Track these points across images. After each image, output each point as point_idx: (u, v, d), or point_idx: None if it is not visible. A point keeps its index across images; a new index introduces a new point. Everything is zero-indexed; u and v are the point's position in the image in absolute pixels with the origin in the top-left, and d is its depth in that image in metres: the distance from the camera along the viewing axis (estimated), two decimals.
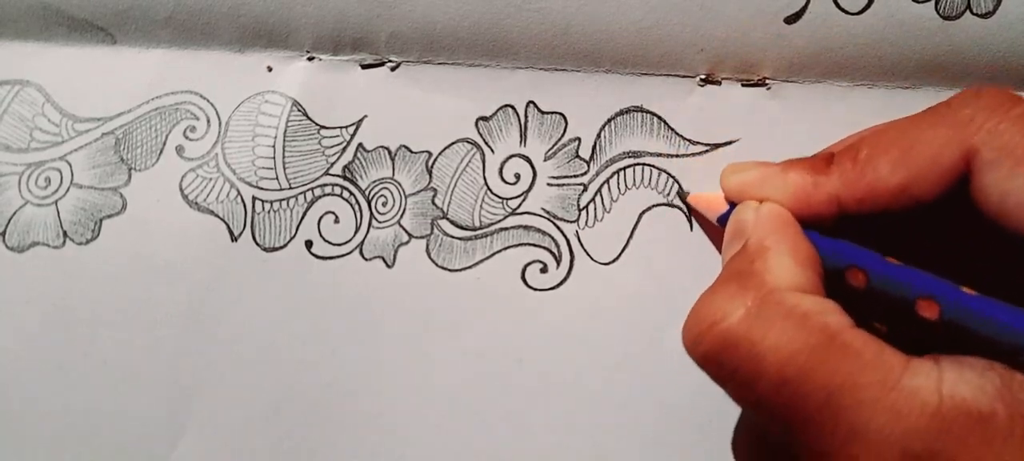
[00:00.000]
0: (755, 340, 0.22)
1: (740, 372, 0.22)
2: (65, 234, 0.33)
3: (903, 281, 0.24)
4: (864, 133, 0.26)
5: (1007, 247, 0.23)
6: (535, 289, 0.33)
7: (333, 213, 0.33)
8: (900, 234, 0.25)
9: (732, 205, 0.29)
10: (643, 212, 0.33)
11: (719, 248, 0.32)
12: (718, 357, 0.23)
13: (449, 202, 0.33)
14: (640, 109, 0.33)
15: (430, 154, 0.33)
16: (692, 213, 0.32)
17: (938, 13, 0.31)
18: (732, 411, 0.32)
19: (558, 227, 0.33)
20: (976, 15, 0.31)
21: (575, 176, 0.33)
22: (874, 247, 0.25)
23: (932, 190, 0.23)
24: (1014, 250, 0.23)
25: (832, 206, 0.25)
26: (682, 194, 0.32)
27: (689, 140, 0.33)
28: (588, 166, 0.33)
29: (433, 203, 0.33)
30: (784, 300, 0.23)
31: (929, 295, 0.23)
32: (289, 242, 0.33)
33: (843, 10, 0.32)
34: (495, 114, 0.33)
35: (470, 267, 0.33)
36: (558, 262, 0.33)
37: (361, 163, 0.33)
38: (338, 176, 0.33)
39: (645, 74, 0.33)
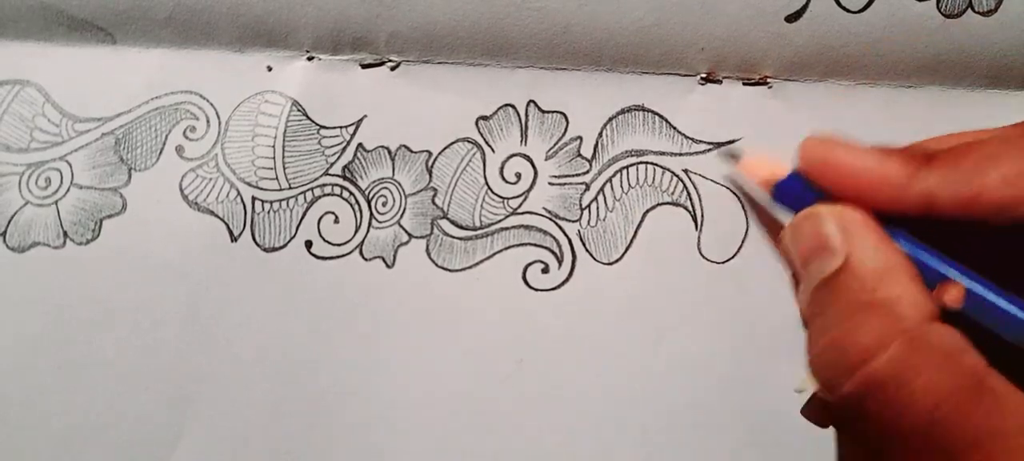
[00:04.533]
0: (905, 381, 0.22)
1: (885, 414, 0.22)
2: (65, 234, 0.33)
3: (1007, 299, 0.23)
4: (964, 137, 0.25)
5: None
6: (536, 289, 0.33)
7: (333, 213, 0.33)
8: (964, 245, 0.25)
9: (795, 178, 0.28)
10: (646, 211, 0.33)
11: (763, 227, 0.31)
12: (864, 398, 0.22)
13: (449, 202, 0.33)
14: (641, 108, 0.33)
15: (430, 154, 0.33)
16: (737, 177, 0.30)
17: (939, 11, 0.31)
18: (732, 411, 0.32)
19: (560, 227, 0.33)
20: (978, 13, 0.31)
21: (577, 175, 0.33)
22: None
23: None
24: None
25: (921, 205, 0.25)
26: (733, 153, 0.30)
27: (691, 138, 0.33)
28: (590, 165, 0.33)
29: (433, 203, 0.33)
30: (930, 338, 0.22)
31: None
32: (289, 242, 0.33)
33: (844, 9, 0.31)
34: (495, 113, 0.33)
35: (470, 267, 0.33)
36: (560, 262, 0.33)
37: (361, 163, 0.33)
38: (338, 176, 0.33)
39: (646, 73, 0.33)
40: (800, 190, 0.27)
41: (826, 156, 0.26)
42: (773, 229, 0.31)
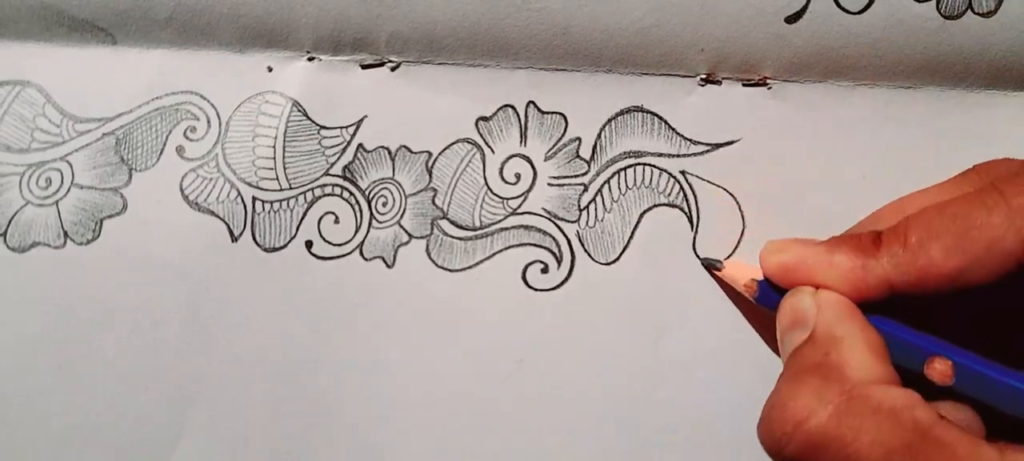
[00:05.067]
0: (847, 440, 0.22)
1: None
2: (66, 234, 0.33)
3: (988, 377, 0.24)
4: (911, 215, 0.25)
5: None
6: (536, 289, 0.33)
7: (333, 213, 0.33)
8: (945, 308, 0.25)
9: (767, 283, 0.28)
10: (644, 212, 0.33)
11: (749, 319, 0.32)
12: (808, 456, 0.22)
13: (449, 202, 0.33)
14: (640, 109, 0.33)
15: (430, 154, 0.33)
16: (719, 284, 0.32)
17: (939, 12, 0.31)
18: (732, 413, 0.32)
19: (559, 227, 0.33)
20: (977, 14, 0.31)
21: (576, 176, 0.33)
22: (913, 322, 0.25)
23: (989, 275, 0.23)
24: None
25: (883, 289, 0.25)
26: (710, 263, 0.32)
27: (690, 140, 0.33)
28: (589, 166, 0.33)
29: (433, 203, 0.33)
30: (871, 395, 0.22)
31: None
32: (289, 242, 0.33)
33: (844, 9, 0.31)
34: (495, 114, 0.33)
35: (470, 267, 0.33)
36: (559, 262, 0.33)
37: (361, 163, 0.33)
38: (338, 176, 0.33)
39: (645, 74, 0.33)
40: (775, 293, 0.28)
41: (785, 267, 0.27)
42: (757, 319, 0.32)
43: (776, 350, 0.29)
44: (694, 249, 0.32)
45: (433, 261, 0.33)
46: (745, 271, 0.30)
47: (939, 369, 0.24)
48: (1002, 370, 0.24)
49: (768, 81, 0.33)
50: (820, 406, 0.23)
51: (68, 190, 0.33)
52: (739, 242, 0.32)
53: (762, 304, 0.29)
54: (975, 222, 0.23)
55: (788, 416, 0.23)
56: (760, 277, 0.29)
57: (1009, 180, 0.24)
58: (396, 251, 0.33)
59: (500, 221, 0.33)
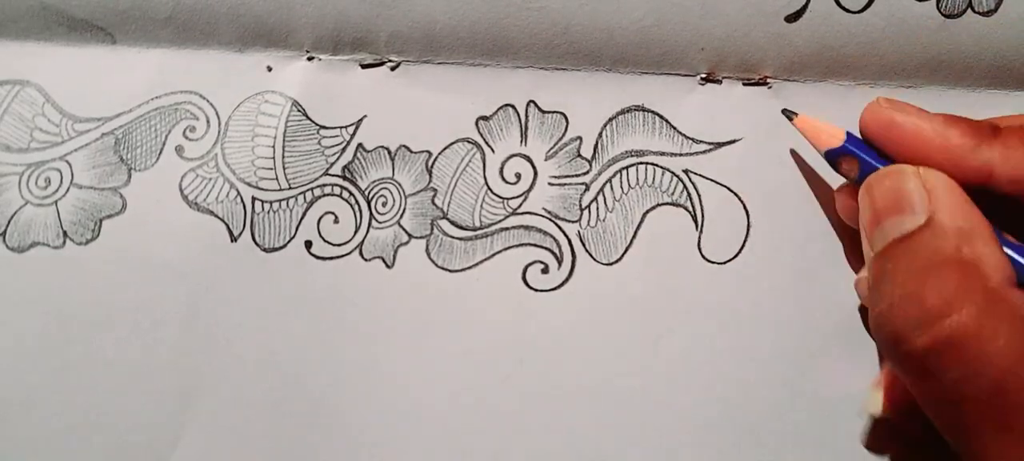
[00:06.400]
0: (985, 339, 0.21)
1: (960, 370, 0.22)
2: (65, 234, 0.33)
3: None
4: None
5: None
6: (536, 290, 0.33)
7: (333, 213, 0.33)
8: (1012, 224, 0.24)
9: (849, 139, 0.27)
10: (646, 212, 0.33)
11: (809, 180, 0.31)
12: (940, 351, 0.22)
13: (449, 202, 0.33)
14: (641, 108, 0.33)
15: (430, 154, 0.33)
16: (799, 135, 0.30)
17: (940, 11, 0.31)
18: (732, 413, 0.32)
19: (559, 227, 0.33)
20: (978, 13, 0.31)
21: (576, 176, 0.33)
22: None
23: None
24: None
25: (982, 176, 0.24)
26: (788, 113, 0.30)
27: (691, 139, 0.33)
28: (590, 165, 0.33)
29: (433, 203, 0.33)
30: (1012, 299, 0.22)
31: None
32: (289, 242, 0.33)
33: (844, 9, 0.31)
34: (495, 113, 0.33)
35: (470, 267, 0.33)
36: (560, 262, 0.33)
37: (361, 163, 0.33)
38: (338, 176, 0.33)
39: (646, 73, 0.33)
40: (857, 151, 0.27)
41: (892, 118, 0.26)
42: (821, 192, 0.31)
43: (848, 229, 0.28)
44: (699, 248, 0.32)
45: (433, 261, 0.33)
46: (823, 127, 0.28)
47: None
48: None
49: (768, 80, 0.33)
50: (963, 303, 0.22)
51: (67, 190, 0.33)
52: (745, 241, 0.32)
53: (834, 164, 0.27)
54: None
55: (926, 309, 0.22)
56: (841, 136, 0.27)
57: None
58: (396, 251, 0.33)
59: (500, 221, 0.33)
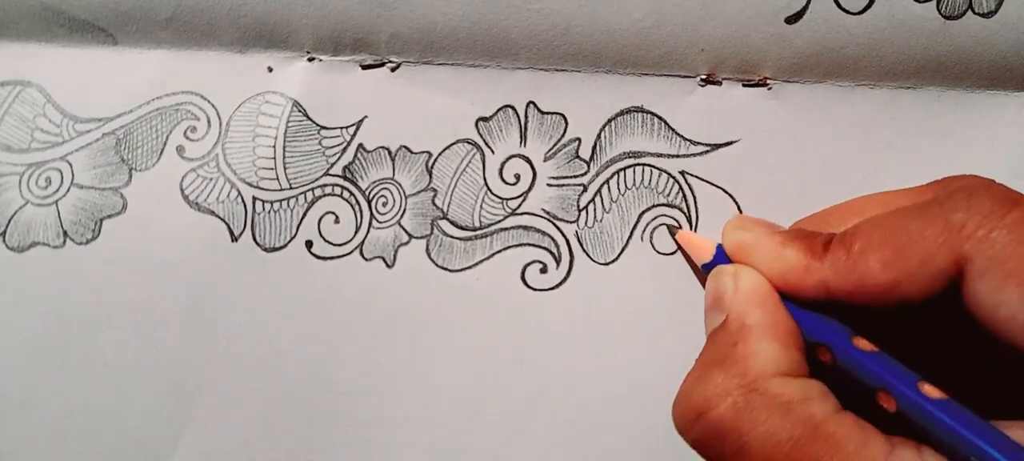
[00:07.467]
0: (743, 431, 0.23)
1: (727, 457, 0.23)
2: (65, 234, 0.33)
3: (865, 369, 0.24)
4: (861, 222, 0.25)
5: (997, 350, 0.23)
6: (535, 289, 0.33)
7: (333, 213, 0.33)
8: (891, 320, 0.25)
9: (719, 253, 0.29)
10: (643, 212, 0.33)
11: (703, 284, 0.32)
12: (708, 445, 0.24)
13: (449, 202, 0.33)
14: (640, 109, 0.33)
15: (430, 154, 0.33)
16: (679, 249, 0.32)
17: (940, 12, 0.31)
18: None
19: (558, 227, 0.33)
20: (978, 15, 0.31)
21: (575, 176, 0.33)
22: (859, 327, 0.25)
23: (921, 291, 0.23)
24: (1004, 355, 0.22)
25: (821, 292, 0.25)
26: (671, 229, 0.32)
27: (690, 140, 0.33)
28: (588, 166, 0.33)
29: (433, 203, 0.33)
30: (768, 389, 0.23)
31: (887, 388, 0.23)
32: (289, 242, 0.33)
33: (844, 10, 0.31)
34: (495, 114, 0.33)
35: (470, 267, 0.33)
36: (558, 262, 0.33)
37: (361, 163, 0.33)
38: (338, 176, 0.33)
39: (645, 74, 0.33)
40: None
41: (739, 246, 0.28)
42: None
43: None
44: None
45: (433, 261, 0.33)
46: (703, 243, 0.30)
47: (826, 355, 0.25)
48: (882, 363, 0.24)
49: (768, 81, 0.33)
50: (721, 398, 0.24)
51: (68, 190, 0.34)
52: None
53: (706, 272, 0.29)
54: (912, 236, 0.23)
55: (692, 404, 0.24)
56: (713, 251, 0.29)
57: (952, 196, 0.24)
58: (396, 251, 0.33)
59: (500, 221, 0.33)
